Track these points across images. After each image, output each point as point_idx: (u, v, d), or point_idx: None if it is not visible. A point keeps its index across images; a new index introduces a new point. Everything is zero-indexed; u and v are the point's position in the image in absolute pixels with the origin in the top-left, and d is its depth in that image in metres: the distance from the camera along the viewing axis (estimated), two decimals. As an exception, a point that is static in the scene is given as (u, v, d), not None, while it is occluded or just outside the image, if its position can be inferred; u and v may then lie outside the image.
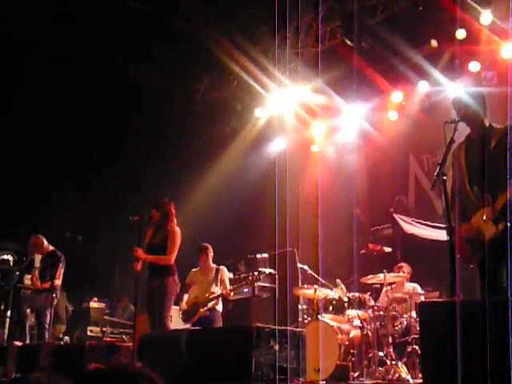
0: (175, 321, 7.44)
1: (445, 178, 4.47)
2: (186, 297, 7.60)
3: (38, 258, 8.27)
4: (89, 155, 10.76)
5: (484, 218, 4.57)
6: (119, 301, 10.84)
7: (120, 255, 9.80)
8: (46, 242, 8.24)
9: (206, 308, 7.45)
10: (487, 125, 4.91)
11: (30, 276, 8.05)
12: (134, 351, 5.60)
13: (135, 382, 1.80)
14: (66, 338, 8.83)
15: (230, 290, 7.68)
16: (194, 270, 7.87)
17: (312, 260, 8.46)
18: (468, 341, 3.11)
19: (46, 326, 7.81)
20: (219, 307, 7.73)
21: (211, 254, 7.90)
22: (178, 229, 6.68)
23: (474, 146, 4.90)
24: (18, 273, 8.12)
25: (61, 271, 7.94)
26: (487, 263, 4.41)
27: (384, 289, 7.46)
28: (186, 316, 7.44)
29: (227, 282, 7.80)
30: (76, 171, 10.53)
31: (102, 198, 10.51)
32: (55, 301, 7.91)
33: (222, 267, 7.86)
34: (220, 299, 7.72)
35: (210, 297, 7.55)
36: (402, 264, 7.91)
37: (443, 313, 3.24)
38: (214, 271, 7.79)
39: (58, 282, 7.94)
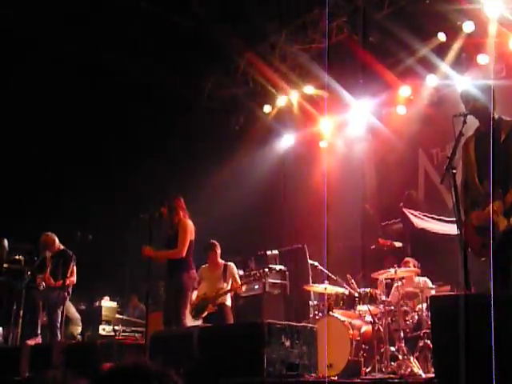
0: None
1: (454, 171, 4.46)
2: (195, 293, 7.61)
3: (48, 255, 8.29)
4: (100, 154, 10.78)
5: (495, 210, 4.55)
6: (129, 300, 10.89)
7: (131, 254, 9.82)
8: (57, 240, 8.26)
9: (215, 304, 7.46)
10: (496, 117, 4.89)
11: (41, 276, 8.06)
12: (146, 349, 5.61)
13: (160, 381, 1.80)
14: (79, 336, 8.86)
15: (241, 284, 7.69)
16: (203, 266, 7.88)
17: (322, 256, 8.46)
18: (480, 335, 3.10)
19: (58, 325, 7.84)
20: (228, 303, 7.75)
21: (219, 251, 7.93)
22: (189, 221, 6.60)
23: (484, 139, 4.87)
24: (29, 273, 8.15)
25: (73, 269, 7.97)
26: (498, 256, 4.40)
27: (395, 284, 7.44)
28: (196, 312, 7.45)
29: (237, 277, 7.82)
30: (87, 170, 10.55)
31: (114, 196, 10.52)
32: (67, 299, 7.96)
33: (230, 263, 7.88)
34: (228, 295, 7.74)
35: (220, 292, 7.57)
36: (408, 259, 7.88)
37: (454, 306, 3.23)
38: (222, 267, 7.81)
39: (73, 279, 7.97)
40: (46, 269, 7.99)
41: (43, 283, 7.88)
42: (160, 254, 6.53)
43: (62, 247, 8.22)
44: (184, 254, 6.40)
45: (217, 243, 7.97)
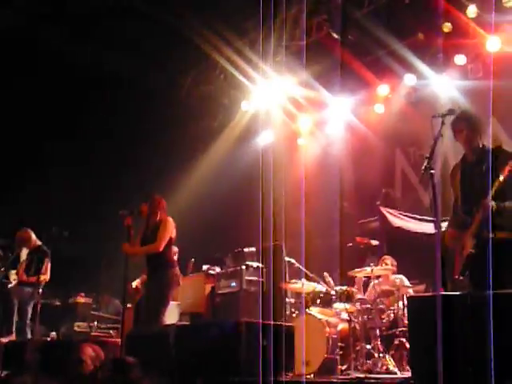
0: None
1: (432, 171, 4.50)
2: None
3: (24, 252, 8.18)
4: (75, 148, 10.67)
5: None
6: (102, 297, 10.76)
7: (108, 250, 9.74)
8: (33, 236, 8.16)
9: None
10: (481, 146, 5.08)
11: (15, 271, 7.96)
12: (122, 347, 5.56)
13: None
14: (53, 333, 8.76)
15: None
16: None
17: (300, 253, 8.46)
18: (456, 335, 3.12)
19: (28, 322, 7.75)
20: None
21: None
22: (170, 219, 6.54)
23: (469, 169, 5.15)
24: (3, 268, 8.04)
25: (47, 266, 7.87)
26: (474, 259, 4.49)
27: (371, 282, 7.48)
28: (123, 301, 7.17)
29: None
30: (63, 164, 10.45)
31: (90, 192, 10.43)
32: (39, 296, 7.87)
33: None
34: None
35: None
36: (386, 256, 7.94)
37: (431, 307, 3.25)
38: None
39: (46, 277, 7.88)
40: (20, 264, 7.88)
41: (15, 279, 7.78)
42: (138, 250, 6.46)
43: (38, 243, 8.12)
44: (161, 249, 6.31)
45: None
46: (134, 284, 8.27)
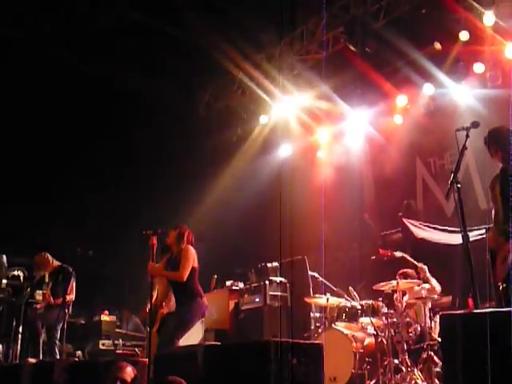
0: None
1: (459, 185, 4.46)
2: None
3: (46, 273, 8.22)
4: (99, 168, 10.75)
5: None
6: (122, 314, 10.78)
7: (131, 268, 9.77)
8: (51, 258, 8.18)
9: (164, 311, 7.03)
10: None
11: (41, 292, 8.00)
12: (150, 366, 5.55)
13: None
14: (79, 352, 8.80)
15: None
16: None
17: (322, 267, 8.44)
18: (491, 354, 3.08)
19: (57, 342, 7.78)
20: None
21: None
22: (190, 247, 6.47)
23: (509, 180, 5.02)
24: (28, 289, 8.09)
25: (73, 286, 7.91)
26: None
27: (396, 295, 7.41)
28: (150, 321, 7.19)
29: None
30: (85, 183, 10.52)
31: (114, 211, 10.47)
32: (67, 316, 7.91)
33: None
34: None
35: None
36: (405, 270, 7.81)
37: (465, 325, 3.21)
38: None
39: (72, 296, 7.92)
40: (46, 286, 7.92)
41: (41, 300, 7.82)
42: (163, 273, 6.47)
43: (57, 264, 8.14)
44: (185, 278, 6.27)
45: None
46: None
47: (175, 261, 6.40)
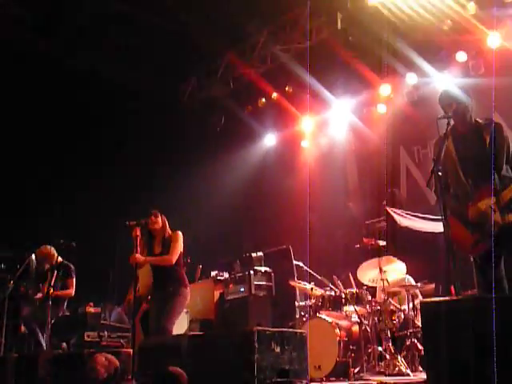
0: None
1: (440, 174, 4.47)
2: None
3: (47, 267, 8.11)
4: (79, 158, 10.68)
5: (491, 205, 4.60)
6: (105, 306, 10.71)
7: (115, 260, 9.73)
8: (55, 253, 8.08)
9: (147, 302, 6.93)
10: (473, 120, 4.99)
11: (28, 284, 7.96)
12: (134, 357, 5.54)
13: None
14: (64, 344, 8.75)
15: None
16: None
17: (306, 256, 8.47)
18: (472, 339, 3.11)
19: (44, 337, 7.75)
20: None
21: None
22: (179, 232, 6.42)
23: (463, 140, 4.95)
24: (12, 281, 8.03)
25: (73, 282, 7.90)
26: (489, 254, 4.44)
27: (379, 284, 7.46)
28: (131, 312, 7.09)
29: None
30: (69, 175, 10.45)
31: (97, 202, 10.41)
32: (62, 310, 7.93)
33: None
34: None
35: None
36: (389, 257, 7.86)
37: (445, 312, 3.24)
38: None
39: (71, 291, 7.88)
40: (47, 280, 7.85)
41: (39, 294, 7.79)
42: (150, 260, 6.40)
43: (60, 260, 8.04)
44: (173, 262, 6.25)
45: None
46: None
47: (163, 245, 6.34)
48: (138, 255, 6.14)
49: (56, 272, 7.84)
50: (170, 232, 6.42)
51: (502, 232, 4.55)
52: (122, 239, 7.24)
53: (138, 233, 6.13)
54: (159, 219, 6.43)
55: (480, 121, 5.00)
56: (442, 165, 4.62)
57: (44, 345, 7.58)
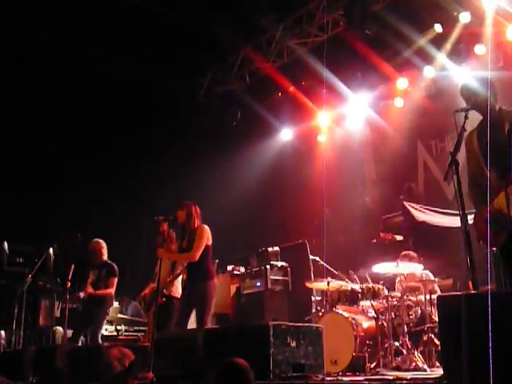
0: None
1: (458, 167, 4.41)
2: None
3: (93, 265, 8.09)
4: (101, 155, 10.72)
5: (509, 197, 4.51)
6: (122, 299, 10.74)
7: (133, 255, 9.79)
8: (105, 251, 8.04)
9: (162, 295, 6.90)
10: (497, 108, 4.87)
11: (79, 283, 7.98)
12: (152, 350, 5.56)
13: None
14: (82, 337, 8.82)
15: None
16: None
17: (323, 251, 8.43)
18: (489, 335, 3.07)
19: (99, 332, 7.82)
20: (177, 294, 7.18)
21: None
22: (205, 226, 6.42)
23: (486, 130, 4.86)
24: (30, 275, 8.09)
25: (114, 282, 7.80)
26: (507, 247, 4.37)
27: (397, 278, 7.42)
28: (146, 305, 7.11)
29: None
30: (89, 170, 10.51)
31: (124, 197, 10.41)
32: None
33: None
34: (179, 285, 7.18)
35: (167, 280, 7.06)
36: (407, 252, 7.82)
37: (462, 307, 3.21)
38: None
39: (111, 290, 7.86)
40: (90, 277, 7.87)
41: (82, 293, 7.81)
42: (174, 256, 6.41)
43: (106, 259, 8.02)
44: (197, 258, 6.20)
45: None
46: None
47: (189, 240, 6.33)
48: (162, 251, 6.15)
49: (100, 270, 7.82)
50: (197, 225, 6.38)
51: None
52: (147, 234, 7.21)
53: (165, 228, 6.13)
54: (184, 212, 6.41)
55: (504, 107, 4.91)
56: (468, 159, 4.57)
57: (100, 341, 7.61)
